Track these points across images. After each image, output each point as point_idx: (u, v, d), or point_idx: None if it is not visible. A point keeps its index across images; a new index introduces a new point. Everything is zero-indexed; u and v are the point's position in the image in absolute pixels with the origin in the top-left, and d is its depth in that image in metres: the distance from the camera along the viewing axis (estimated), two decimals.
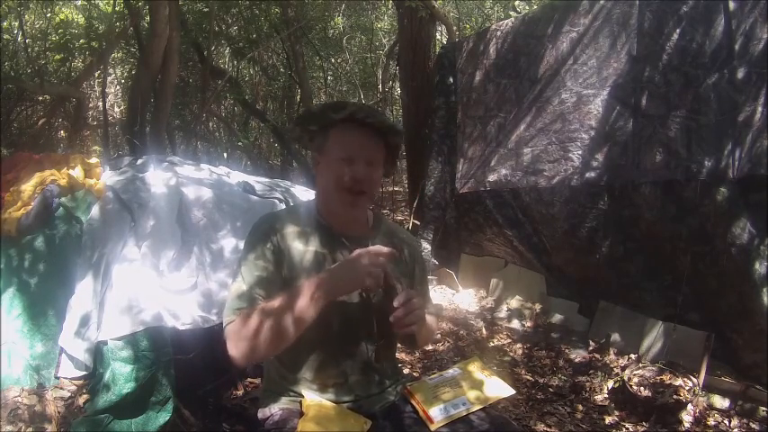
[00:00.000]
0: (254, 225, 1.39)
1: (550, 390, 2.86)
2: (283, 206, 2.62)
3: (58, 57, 5.95)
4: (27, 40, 6.34)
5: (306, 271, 1.32)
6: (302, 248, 1.34)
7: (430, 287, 2.03)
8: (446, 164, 4.41)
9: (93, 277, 2.13)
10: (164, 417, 1.94)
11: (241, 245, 1.60)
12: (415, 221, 4.72)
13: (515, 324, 3.64)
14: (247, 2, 6.46)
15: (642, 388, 2.64)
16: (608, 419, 2.60)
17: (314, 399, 1.33)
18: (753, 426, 2.48)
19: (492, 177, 3.93)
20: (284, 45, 7.24)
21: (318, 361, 1.35)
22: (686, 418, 2.51)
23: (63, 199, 2.32)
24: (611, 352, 3.15)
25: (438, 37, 6.29)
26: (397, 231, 1.52)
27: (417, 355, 3.17)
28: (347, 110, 1.31)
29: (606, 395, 2.79)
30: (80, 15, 6.41)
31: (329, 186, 1.32)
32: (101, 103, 6.20)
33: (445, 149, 4.43)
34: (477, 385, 1.43)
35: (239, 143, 6.89)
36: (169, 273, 2.17)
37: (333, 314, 1.33)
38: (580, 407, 2.71)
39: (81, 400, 2.02)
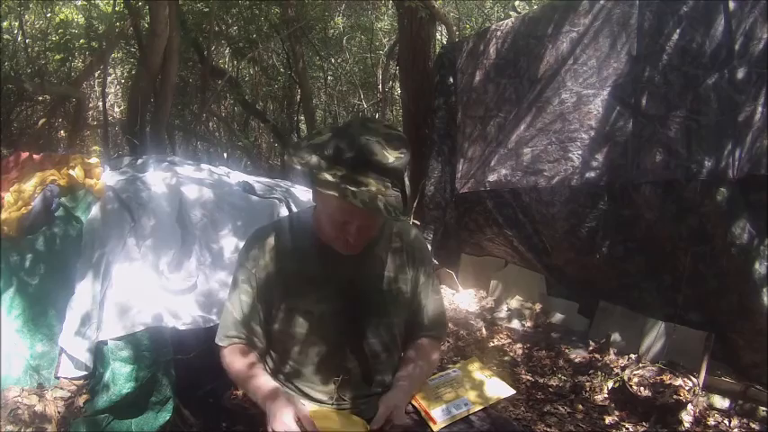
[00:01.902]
0: (247, 240, 1.40)
1: (550, 390, 2.86)
2: (283, 206, 2.62)
3: (58, 57, 5.94)
4: (27, 40, 6.33)
5: (303, 288, 1.32)
6: (297, 266, 1.33)
7: None
8: (446, 164, 4.41)
9: (93, 277, 2.13)
10: (164, 417, 1.94)
11: (241, 245, 1.60)
12: (415, 221, 4.72)
13: (515, 324, 3.64)
14: (247, 2, 6.44)
15: (642, 388, 2.64)
16: (608, 419, 2.60)
17: (313, 403, 1.33)
18: (753, 426, 2.48)
19: (492, 177, 3.93)
20: (284, 45, 7.23)
21: (317, 361, 1.35)
22: (686, 418, 2.51)
23: (63, 199, 2.32)
24: (611, 352, 3.15)
25: (438, 37, 6.27)
26: (404, 234, 1.44)
27: None
28: (336, 186, 1.13)
29: (606, 395, 2.79)
30: (80, 15, 6.39)
31: (324, 230, 1.30)
32: (101, 103, 6.20)
33: (445, 149, 4.42)
34: (478, 385, 1.44)
35: (239, 143, 6.88)
36: (169, 273, 2.16)
37: (330, 317, 1.33)
38: (580, 407, 2.71)
39: (81, 400, 2.02)
